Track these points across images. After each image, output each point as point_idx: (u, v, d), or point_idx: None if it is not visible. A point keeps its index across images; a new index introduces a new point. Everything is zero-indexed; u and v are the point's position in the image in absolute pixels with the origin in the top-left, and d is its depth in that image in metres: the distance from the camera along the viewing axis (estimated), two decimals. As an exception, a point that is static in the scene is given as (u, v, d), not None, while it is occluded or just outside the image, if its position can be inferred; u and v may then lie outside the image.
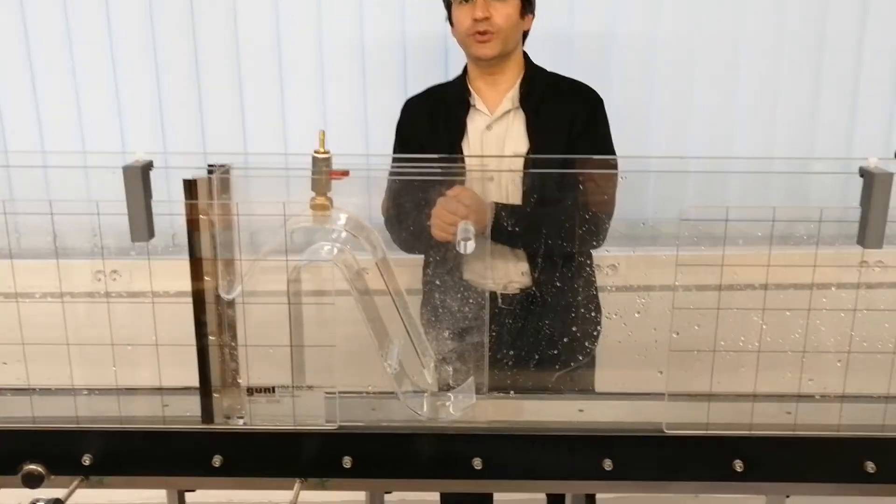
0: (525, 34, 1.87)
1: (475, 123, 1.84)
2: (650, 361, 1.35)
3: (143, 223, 1.14)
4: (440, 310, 1.39)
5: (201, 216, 1.16)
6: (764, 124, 2.40)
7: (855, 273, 1.21)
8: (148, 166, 1.15)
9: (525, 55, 1.88)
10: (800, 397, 1.22)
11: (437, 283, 1.47)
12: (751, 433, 1.18)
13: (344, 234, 1.22)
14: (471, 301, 1.39)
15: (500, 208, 1.68)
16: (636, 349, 1.44)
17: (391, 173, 1.56)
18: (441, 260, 1.50)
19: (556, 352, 1.62)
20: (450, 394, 1.28)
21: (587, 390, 1.73)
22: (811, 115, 2.39)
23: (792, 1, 2.31)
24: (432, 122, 1.87)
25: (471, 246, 1.17)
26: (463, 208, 1.43)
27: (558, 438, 1.19)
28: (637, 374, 1.42)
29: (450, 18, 1.85)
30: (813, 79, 2.37)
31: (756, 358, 1.18)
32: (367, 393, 1.29)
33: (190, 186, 1.16)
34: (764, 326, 1.18)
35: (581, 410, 1.27)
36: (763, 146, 2.40)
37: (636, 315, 1.46)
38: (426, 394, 1.26)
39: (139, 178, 1.13)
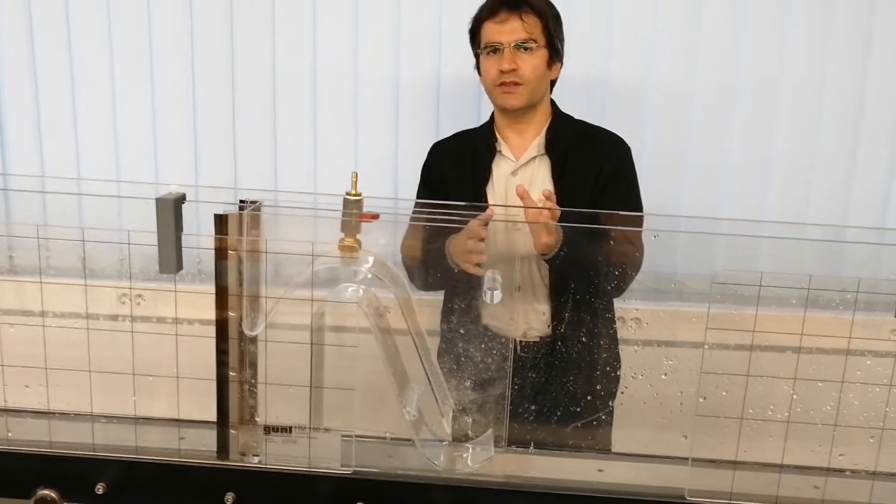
0: (552, 82, 1.88)
1: (500, 169, 1.85)
2: (673, 423, 1.32)
3: (172, 255, 1.15)
4: (459, 358, 1.37)
5: (230, 251, 1.17)
6: (799, 182, 2.36)
7: (889, 343, 1.18)
8: (180, 199, 1.16)
9: (552, 102, 1.89)
10: (829, 471, 1.18)
11: (456, 329, 1.46)
12: (776, 506, 1.15)
13: (370, 276, 1.22)
14: (492, 350, 1.38)
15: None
16: (659, 409, 1.41)
17: (414, 214, 1.57)
18: (460, 306, 1.49)
19: (574, 404, 1.59)
20: (468, 445, 1.26)
21: (605, 448, 1.70)
22: (848, 174, 2.35)
23: (832, 55, 2.28)
24: (458, 166, 1.88)
25: (498, 296, 1.16)
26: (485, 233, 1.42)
27: (576, 499, 1.16)
28: (658, 435, 1.39)
29: (478, 67, 1.86)
30: (852, 137, 2.33)
31: (785, 428, 1.15)
32: (384, 438, 1.27)
33: (221, 221, 1.17)
34: (794, 396, 1.15)
35: (600, 471, 1.24)
36: (797, 204, 2.36)
37: (662, 377, 1.43)
38: (444, 443, 1.24)
39: (171, 210, 1.14)
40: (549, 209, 1.54)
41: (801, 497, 1.16)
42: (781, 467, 1.18)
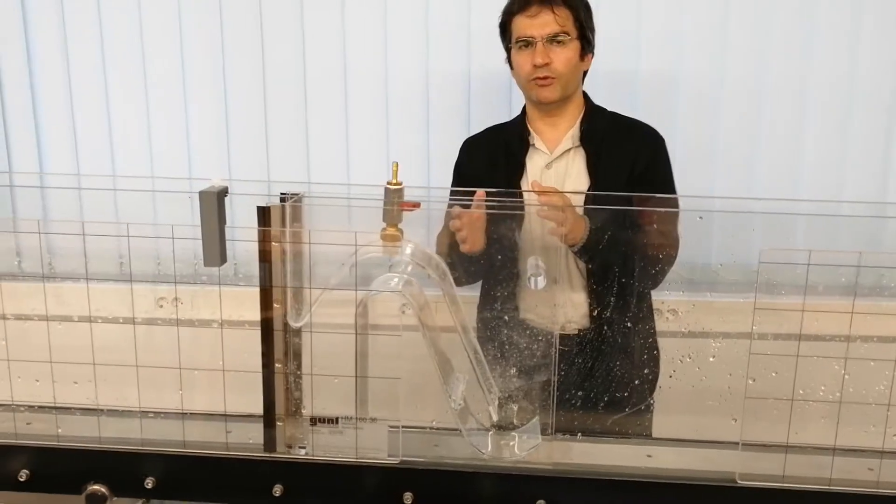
0: (584, 73, 1.86)
1: (534, 162, 1.83)
2: (722, 407, 1.30)
3: (216, 248, 1.15)
4: (498, 349, 1.37)
5: (274, 243, 1.17)
6: (832, 170, 2.33)
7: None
8: (223, 192, 1.16)
9: (585, 94, 1.87)
10: (883, 453, 1.16)
11: (494, 322, 1.46)
12: (830, 488, 1.13)
13: (411, 267, 1.21)
14: (532, 341, 1.37)
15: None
16: (706, 394, 1.40)
17: (450, 208, 1.57)
18: (499, 297, 1.49)
19: (614, 396, 1.58)
20: (514, 433, 1.25)
21: (647, 435, 1.69)
22: (883, 159, 2.32)
23: (864, 41, 2.26)
24: (492, 161, 1.87)
25: (541, 282, 1.15)
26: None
27: (626, 484, 1.15)
28: (705, 420, 1.37)
29: (509, 60, 1.85)
30: (886, 120, 2.30)
31: (837, 409, 1.13)
32: (431, 428, 1.27)
33: (264, 213, 1.17)
34: (846, 376, 1.13)
35: (649, 456, 1.23)
36: (831, 191, 2.33)
37: (710, 359, 1.42)
38: (490, 432, 1.24)
39: (215, 203, 1.14)
40: (553, 200, 1.54)
41: (855, 479, 1.14)
42: (834, 450, 1.16)
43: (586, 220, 1.57)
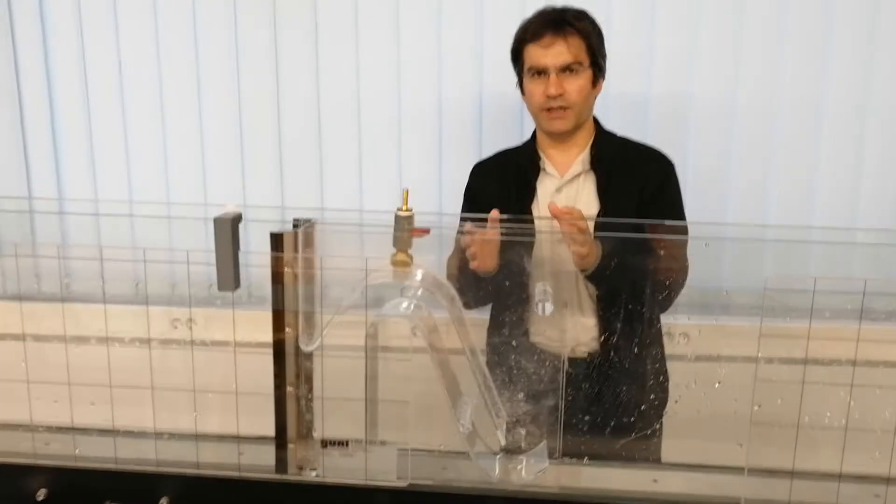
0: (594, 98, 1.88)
1: (545, 187, 1.85)
2: (727, 432, 1.31)
3: (230, 273, 1.18)
4: (508, 373, 1.38)
5: (286, 268, 1.20)
6: (845, 194, 2.33)
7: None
8: (237, 218, 1.19)
9: (595, 119, 1.89)
10: (889, 480, 1.16)
11: (503, 345, 1.47)
12: (836, 515, 1.14)
13: (421, 291, 1.24)
14: (542, 365, 1.39)
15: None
16: (712, 419, 1.40)
17: (460, 232, 1.59)
18: (508, 321, 1.50)
19: (623, 420, 1.59)
20: (522, 457, 1.26)
21: (656, 460, 1.69)
22: (896, 186, 2.32)
23: (877, 65, 2.25)
24: (503, 185, 1.87)
25: (549, 308, 1.17)
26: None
27: (633, 509, 1.16)
28: (710, 446, 1.38)
29: (521, 86, 1.87)
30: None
31: (843, 436, 1.14)
32: (439, 451, 1.28)
33: (276, 239, 1.20)
34: (852, 403, 1.14)
35: (655, 481, 1.24)
36: (843, 217, 2.33)
37: (716, 385, 1.42)
38: (498, 455, 1.25)
39: (229, 229, 1.17)
40: (573, 222, 1.54)
41: (862, 506, 1.15)
42: (840, 476, 1.16)
43: (599, 245, 1.58)
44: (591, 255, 1.57)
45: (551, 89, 1.74)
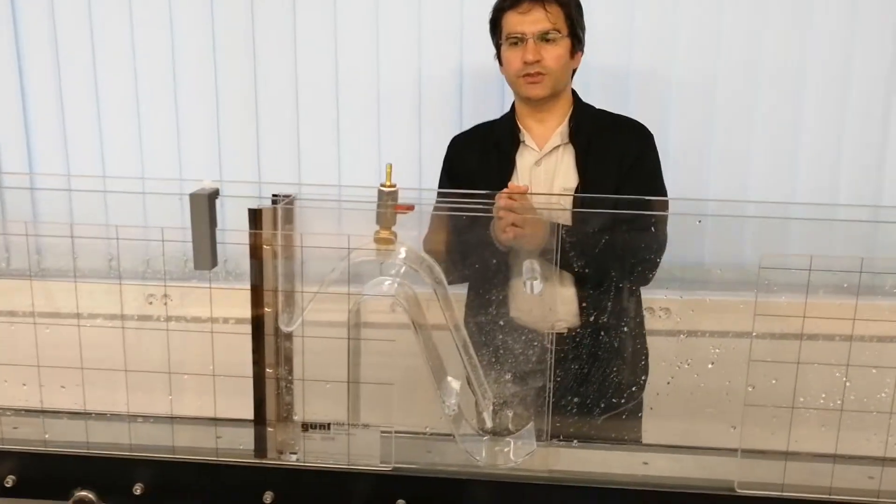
0: (573, 71, 1.85)
1: (524, 160, 1.82)
2: (720, 414, 1.28)
3: (206, 251, 1.13)
4: (492, 351, 1.35)
5: (265, 246, 1.15)
6: (826, 168, 2.31)
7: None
8: (214, 195, 1.14)
9: (573, 92, 1.86)
10: (885, 461, 1.14)
11: (483, 322, 1.43)
12: (830, 497, 1.11)
13: (404, 269, 1.19)
14: (521, 343, 1.35)
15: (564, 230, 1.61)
16: (705, 400, 1.38)
17: (437, 208, 1.56)
18: (487, 298, 1.46)
19: (602, 395, 1.56)
20: (509, 439, 1.23)
21: (635, 439, 1.67)
22: (879, 158, 2.30)
23: (859, 38, 2.24)
24: (482, 158, 1.85)
25: (538, 286, 1.13)
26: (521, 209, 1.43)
27: (622, 492, 1.14)
28: (705, 426, 1.35)
29: (499, 56, 1.84)
30: (882, 118, 2.28)
31: (838, 416, 1.12)
32: (424, 434, 1.25)
33: (255, 216, 1.15)
34: (847, 383, 1.11)
35: (646, 463, 1.21)
36: (826, 191, 2.31)
37: (709, 366, 1.40)
38: (485, 438, 1.22)
39: (206, 206, 1.12)
40: (513, 202, 1.49)
41: (856, 488, 1.13)
42: (835, 457, 1.14)
43: (548, 225, 1.53)
44: (536, 237, 1.45)
45: (528, 55, 1.73)
